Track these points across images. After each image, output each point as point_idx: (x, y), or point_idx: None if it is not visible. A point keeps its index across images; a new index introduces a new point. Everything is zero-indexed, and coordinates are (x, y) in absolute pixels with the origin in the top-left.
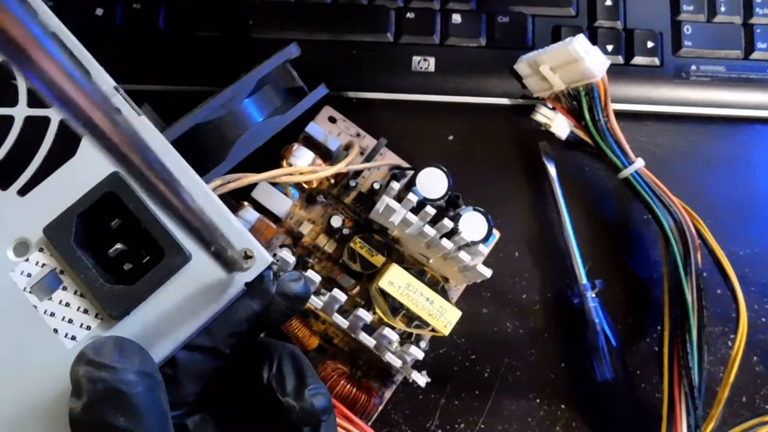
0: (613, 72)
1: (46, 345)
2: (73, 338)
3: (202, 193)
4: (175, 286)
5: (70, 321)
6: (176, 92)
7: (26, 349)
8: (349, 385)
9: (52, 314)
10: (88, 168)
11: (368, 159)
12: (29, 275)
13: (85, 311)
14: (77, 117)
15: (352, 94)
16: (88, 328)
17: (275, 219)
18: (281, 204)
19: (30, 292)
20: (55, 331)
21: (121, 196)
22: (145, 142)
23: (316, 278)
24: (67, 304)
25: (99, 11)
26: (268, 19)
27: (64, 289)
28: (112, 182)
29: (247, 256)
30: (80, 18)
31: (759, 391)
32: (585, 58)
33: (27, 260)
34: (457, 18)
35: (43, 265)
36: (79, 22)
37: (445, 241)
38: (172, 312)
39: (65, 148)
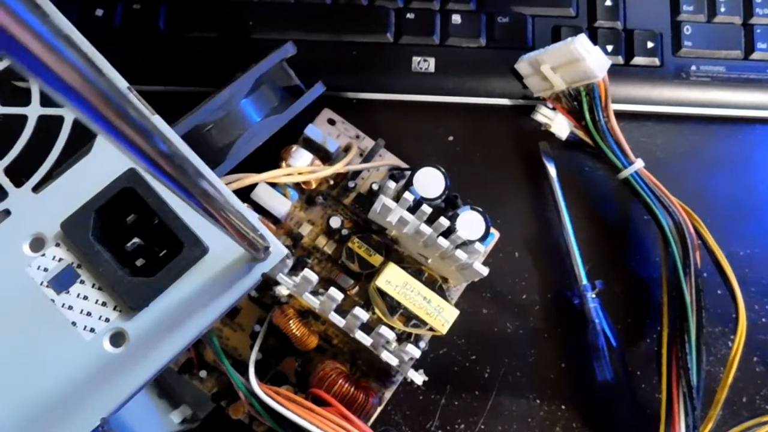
0: (613, 72)
1: (64, 337)
2: (92, 330)
3: (222, 187)
4: (193, 277)
5: (89, 314)
6: (176, 93)
7: (45, 342)
8: (347, 385)
9: (70, 307)
10: (104, 165)
11: (367, 160)
12: (46, 270)
13: (104, 304)
14: (90, 114)
15: (351, 95)
16: (107, 320)
17: (275, 220)
18: (281, 205)
19: (47, 287)
20: (74, 323)
21: (139, 191)
22: (162, 136)
23: (314, 278)
24: (85, 297)
25: (99, 12)
26: (268, 20)
27: (82, 282)
28: (130, 178)
29: (264, 248)
30: (80, 19)
31: (759, 391)
32: (587, 58)
33: (43, 255)
34: (456, 18)
35: (60, 259)
36: (79, 23)
37: (441, 240)
38: (190, 302)
39: (80, 146)
